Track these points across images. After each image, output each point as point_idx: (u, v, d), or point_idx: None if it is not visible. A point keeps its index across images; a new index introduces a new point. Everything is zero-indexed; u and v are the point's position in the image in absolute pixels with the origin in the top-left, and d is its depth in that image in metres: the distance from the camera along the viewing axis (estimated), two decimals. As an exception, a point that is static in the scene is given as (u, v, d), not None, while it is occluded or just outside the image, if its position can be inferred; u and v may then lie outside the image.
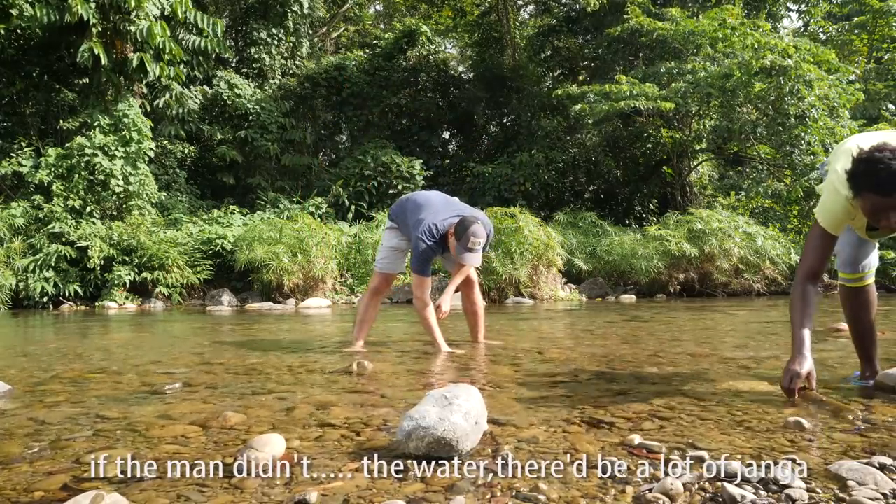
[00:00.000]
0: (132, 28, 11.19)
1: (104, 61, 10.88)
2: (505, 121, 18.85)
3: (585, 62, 19.21)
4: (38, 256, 9.96)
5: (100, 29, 11.11)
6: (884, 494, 1.26)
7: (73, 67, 12.05)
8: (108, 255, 10.20)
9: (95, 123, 11.15)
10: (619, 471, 1.41)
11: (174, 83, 12.87)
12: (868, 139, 2.06)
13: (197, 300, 10.75)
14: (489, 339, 4.11)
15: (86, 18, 10.48)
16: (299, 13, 16.61)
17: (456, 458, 1.52)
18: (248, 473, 1.44)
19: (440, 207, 3.74)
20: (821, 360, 3.05)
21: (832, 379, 2.56)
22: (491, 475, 1.41)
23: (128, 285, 10.19)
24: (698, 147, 16.24)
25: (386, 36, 18.95)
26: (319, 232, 10.70)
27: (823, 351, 3.47)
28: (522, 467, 1.46)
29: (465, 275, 3.87)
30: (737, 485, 1.30)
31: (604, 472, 1.42)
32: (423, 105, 18.36)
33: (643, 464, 1.47)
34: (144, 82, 12.46)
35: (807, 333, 2.14)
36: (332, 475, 1.43)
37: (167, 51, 11.54)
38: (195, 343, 4.50)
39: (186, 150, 14.56)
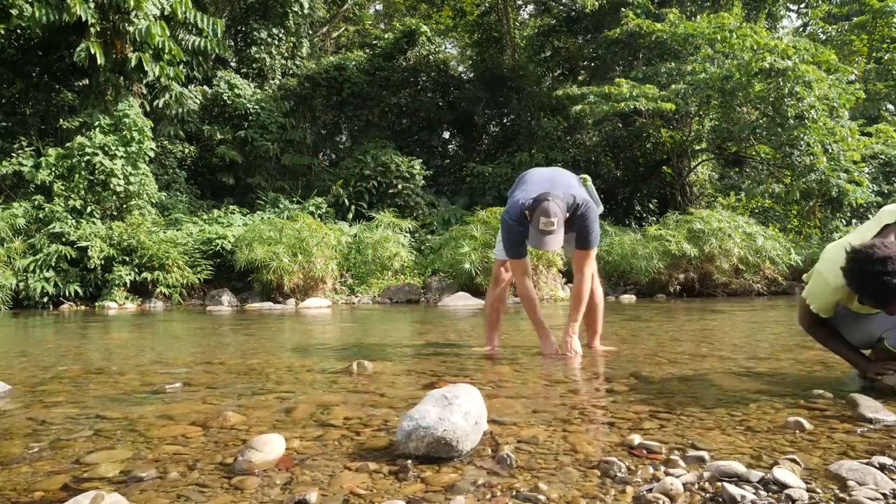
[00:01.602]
0: (131, 28, 11.19)
1: (101, 61, 10.87)
2: (505, 121, 18.86)
3: (585, 62, 19.22)
4: (38, 256, 9.96)
5: (98, 29, 11.10)
6: (884, 494, 1.26)
7: (72, 67, 12.05)
8: (109, 255, 10.20)
9: (96, 123, 11.15)
10: (619, 471, 1.41)
11: (174, 83, 12.87)
12: (855, 239, 2.12)
13: (197, 300, 10.74)
14: (599, 345, 3.61)
15: (84, 19, 10.48)
16: (299, 13, 16.61)
17: (456, 458, 1.52)
18: (248, 473, 1.43)
19: (539, 183, 3.25)
20: (820, 360, 3.05)
21: (831, 378, 2.56)
22: (491, 475, 1.41)
23: (128, 285, 10.19)
24: (698, 147, 16.24)
25: (386, 36, 18.96)
26: (319, 232, 10.71)
27: (823, 351, 3.46)
28: (522, 467, 1.46)
29: (586, 276, 3.36)
30: (737, 485, 1.30)
31: (604, 472, 1.42)
32: (423, 105, 18.36)
33: (643, 464, 1.47)
34: (144, 82, 12.45)
35: (855, 348, 2.42)
36: (332, 475, 1.43)
37: (167, 51, 11.55)
38: (195, 343, 4.50)
39: (186, 150, 14.56)
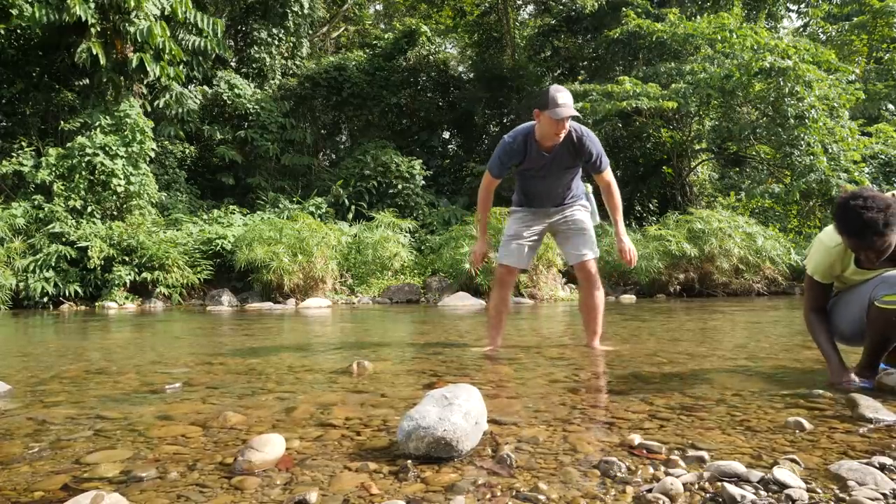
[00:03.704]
0: (132, 28, 11.20)
1: (102, 61, 10.88)
2: (505, 121, 18.86)
3: (585, 62, 19.22)
4: (38, 256, 9.96)
5: (99, 29, 11.11)
6: (884, 494, 1.26)
7: (73, 67, 12.05)
8: (109, 255, 10.20)
9: (96, 123, 11.15)
10: (619, 471, 1.41)
11: (174, 83, 12.87)
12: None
13: (197, 300, 10.74)
14: (599, 345, 3.61)
15: (84, 19, 10.48)
16: (299, 13, 16.62)
17: (456, 458, 1.52)
18: (248, 473, 1.43)
19: None
20: (820, 360, 3.05)
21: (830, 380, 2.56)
22: (491, 475, 1.41)
23: (128, 285, 10.19)
24: (698, 147, 16.23)
25: (386, 36, 18.96)
26: (319, 232, 10.70)
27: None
28: (522, 467, 1.46)
29: (613, 186, 3.84)
30: (737, 485, 1.30)
31: (604, 472, 1.42)
32: (423, 105, 18.36)
33: (643, 464, 1.47)
34: (144, 82, 12.45)
35: (836, 349, 2.47)
36: (332, 475, 1.43)
37: (167, 51, 11.55)
38: (195, 343, 4.50)
39: (186, 151, 14.57)
